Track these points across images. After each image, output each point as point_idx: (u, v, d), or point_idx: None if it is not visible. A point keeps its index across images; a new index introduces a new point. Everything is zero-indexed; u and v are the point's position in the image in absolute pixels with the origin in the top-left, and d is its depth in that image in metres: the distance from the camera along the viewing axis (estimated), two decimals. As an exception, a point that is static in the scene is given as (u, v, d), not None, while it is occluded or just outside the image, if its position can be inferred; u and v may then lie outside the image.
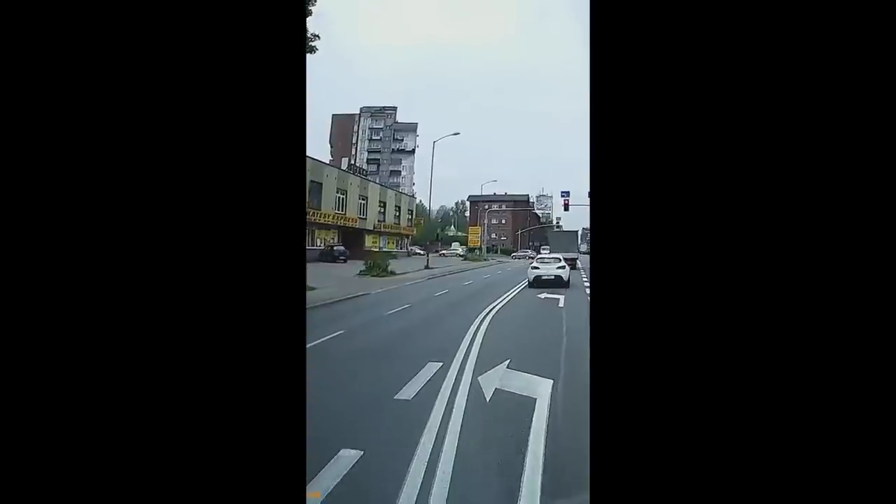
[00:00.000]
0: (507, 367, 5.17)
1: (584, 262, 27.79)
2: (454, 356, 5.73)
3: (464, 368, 5.22)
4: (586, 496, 1.21)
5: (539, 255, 19.31)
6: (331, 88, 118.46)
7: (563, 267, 15.82)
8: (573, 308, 10.28)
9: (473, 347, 6.24)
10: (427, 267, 25.69)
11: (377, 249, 35.42)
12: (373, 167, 77.64)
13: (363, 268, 20.29)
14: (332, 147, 76.56)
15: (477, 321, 8.37)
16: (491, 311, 9.90)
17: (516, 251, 58.44)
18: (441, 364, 5.35)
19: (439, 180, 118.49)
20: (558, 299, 11.88)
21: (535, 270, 16.10)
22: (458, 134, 33.06)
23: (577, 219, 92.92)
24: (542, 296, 12.74)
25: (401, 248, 43.52)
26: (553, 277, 15.36)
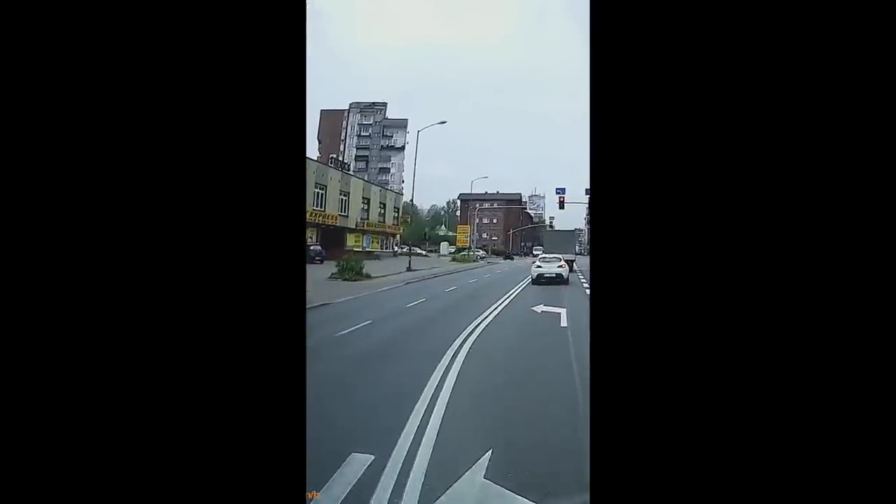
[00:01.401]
0: (486, 477, 2.78)
1: (579, 265, 25.61)
2: (400, 433, 3.36)
3: (408, 473, 2.87)
4: (586, 496, 1.20)
5: (541, 256, 20.37)
6: (331, 89, 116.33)
7: (563, 266, 17.57)
8: (580, 328, 7.76)
9: (435, 411, 3.86)
10: (409, 269, 23.29)
11: (360, 249, 33.12)
12: (361, 164, 75.25)
13: (335, 270, 17.84)
14: (319, 143, 73.73)
15: (450, 352, 5.98)
16: (473, 331, 7.53)
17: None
18: (371, 459, 2.99)
19: (434, 179, 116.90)
20: (559, 314, 9.51)
21: (538, 269, 17.59)
22: (444, 122, 30.65)
23: (571, 219, 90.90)
24: (539, 309, 10.31)
25: (386, 248, 41.06)
26: (554, 275, 17.04)
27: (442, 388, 4.54)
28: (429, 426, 3.57)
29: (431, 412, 3.90)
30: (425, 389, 4.50)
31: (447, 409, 3.96)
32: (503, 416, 3.92)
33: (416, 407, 4.01)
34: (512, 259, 51.19)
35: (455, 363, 5.51)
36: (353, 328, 7.85)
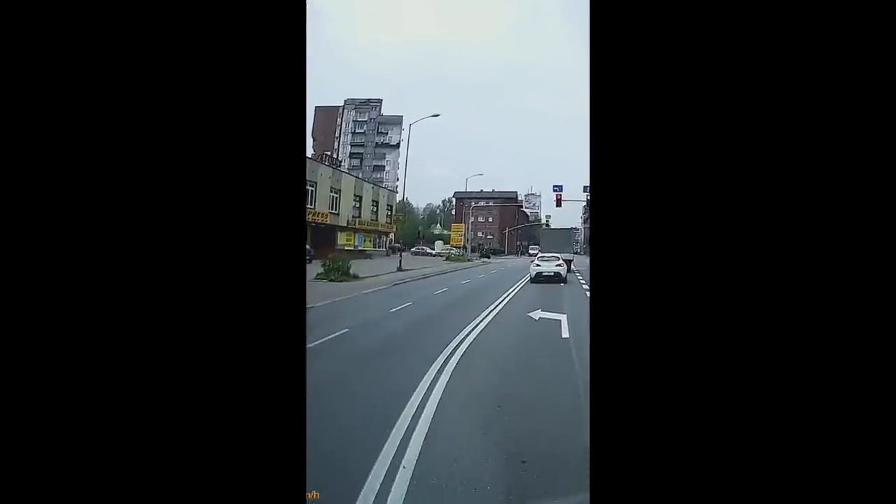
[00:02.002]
0: None
1: (577, 264, 24.67)
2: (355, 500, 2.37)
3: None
4: (586, 496, 1.18)
5: (539, 255, 20.46)
6: (327, 86, 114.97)
7: (561, 265, 17.97)
8: (585, 338, 6.70)
9: (400, 478, 2.88)
10: (400, 269, 22.29)
11: (352, 248, 32.14)
12: (356, 161, 74.20)
13: (320, 270, 16.80)
14: (314, 141, 72.47)
15: (434, 368, 4.99)
16: (463, 341, 6.56)
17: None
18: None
19: (431, 179, 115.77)
20: (559, 321, 8.52)
21: (536, 268, 18.04)
22: (437, 115, 29.40)
23: (567, 218, 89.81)
24: (537, 316, 9.27)
25: (378, 247, 39.99)
26: (553, 274, 17.48)
27: (419, 418, 3.54)
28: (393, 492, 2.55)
29: (403, 457, 2.88)
30: (401, 417, 3.52)
31: (421, 455, 2.96)
32: (495, 462, 2.84)
33: (385, 445, 3.01)
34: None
35: (442, 377, 4.51)
36: (324, 339, 6.85)
